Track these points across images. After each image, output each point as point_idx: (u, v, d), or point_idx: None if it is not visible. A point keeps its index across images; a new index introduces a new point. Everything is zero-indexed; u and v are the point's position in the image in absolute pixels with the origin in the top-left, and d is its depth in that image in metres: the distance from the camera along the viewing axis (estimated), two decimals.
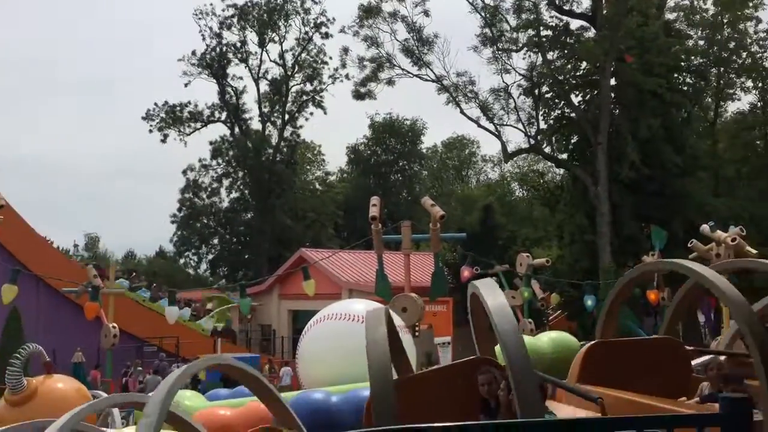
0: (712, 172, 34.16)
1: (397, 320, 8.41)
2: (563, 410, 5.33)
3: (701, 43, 35.73)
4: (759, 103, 35.35)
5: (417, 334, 13.25)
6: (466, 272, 20.40)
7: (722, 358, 6.29)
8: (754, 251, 16.29)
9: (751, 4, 34.46)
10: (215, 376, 16.78)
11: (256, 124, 48.43)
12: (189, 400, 10.93)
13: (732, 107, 37.63)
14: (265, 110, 48.17)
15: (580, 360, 6.32)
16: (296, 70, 48.04)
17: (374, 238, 14.29)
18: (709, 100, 36.43)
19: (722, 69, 35.39)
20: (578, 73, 34.44)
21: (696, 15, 36.18)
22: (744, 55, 35.30)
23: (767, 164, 33.32)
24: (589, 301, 21.04)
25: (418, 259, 27.29)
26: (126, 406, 12.61)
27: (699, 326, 20.18)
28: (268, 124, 48.22)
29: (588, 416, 4.66)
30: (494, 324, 4.13)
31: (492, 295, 4.40)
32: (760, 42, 34.77)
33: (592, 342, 6.79)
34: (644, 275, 6.58)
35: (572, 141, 34.41)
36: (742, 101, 36.68)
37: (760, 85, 35.39)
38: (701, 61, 35.05)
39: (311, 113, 48.35)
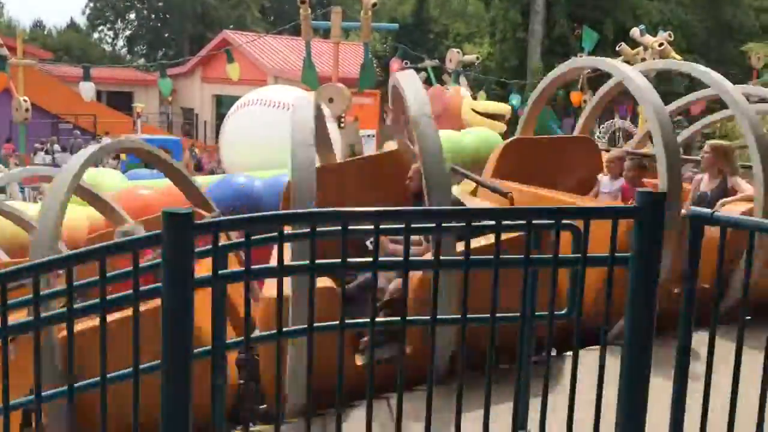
0: None
1: (323, 110, 8.29)
2: (475, 203, 5.52)
3: None
4: None
5: (342, 125, 13.19)
6: (395, 65, 20.03)
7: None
8: (678, 57, 16.51)
9: None
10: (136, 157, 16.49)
11: None
12: (109, 179, 10.82)
13: None
14: None
15: (496, 156, 6.37)
16: None
17: (302, 23, 13.64)
18: None
19: None
20: None
21: None
22: None
23: None
24: (514, 101, 21.30)
25: (347, 48, 26.50)
26: (34, 181, 12.42)
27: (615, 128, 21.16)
28: None
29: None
30: (410, 113, 4.12)
31: (412, 85, 4.35)
32: None
33: (510, 139, 6.82)
34: (570, 72, 6.56)
35: None
36: None
37: None
38: None
39: None
